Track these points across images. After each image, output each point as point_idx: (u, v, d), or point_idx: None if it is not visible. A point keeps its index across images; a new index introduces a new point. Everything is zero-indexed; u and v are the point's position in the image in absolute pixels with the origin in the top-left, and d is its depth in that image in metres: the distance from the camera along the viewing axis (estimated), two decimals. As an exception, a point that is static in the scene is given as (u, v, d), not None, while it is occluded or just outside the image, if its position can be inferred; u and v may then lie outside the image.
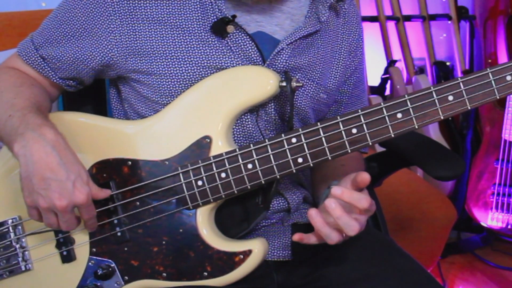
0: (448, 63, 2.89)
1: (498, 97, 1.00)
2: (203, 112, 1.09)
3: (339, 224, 0.97)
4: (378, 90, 2.83)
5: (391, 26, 2.85)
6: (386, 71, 2.82)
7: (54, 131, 1.03)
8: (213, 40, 1.10)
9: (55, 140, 1.02)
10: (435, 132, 2.71)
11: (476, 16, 2.85)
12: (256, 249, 1.07)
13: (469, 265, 2.66)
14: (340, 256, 1.12)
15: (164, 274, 1.09)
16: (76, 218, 1.05)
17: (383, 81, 2.83)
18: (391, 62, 2.81)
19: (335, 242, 0.99)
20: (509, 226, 2.56)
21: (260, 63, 1.11)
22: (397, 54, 2.87)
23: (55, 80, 1.18)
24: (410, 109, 1.01)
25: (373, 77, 2.87)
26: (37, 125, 1.03)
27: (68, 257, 1.13)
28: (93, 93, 1.37)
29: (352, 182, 0.99)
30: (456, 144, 2.80)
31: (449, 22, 2.90)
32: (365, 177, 0.97)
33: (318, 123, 1.03)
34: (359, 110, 1.02)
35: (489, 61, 2.74)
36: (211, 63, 1.10)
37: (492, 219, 2.60)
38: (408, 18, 2.88)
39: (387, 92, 2.84)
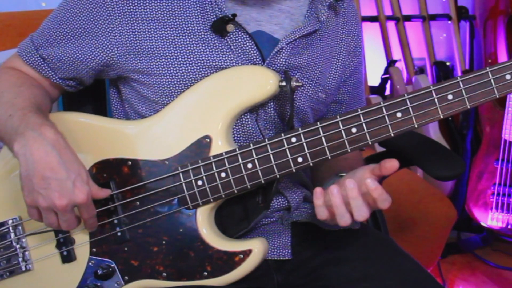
0: (448, 63, 2.89)
1: (497, 96, 1.00)
2: (203, 112, 1.09)
3: (352, 205, 0.97)
4: (378, 90, 2.82)
5: (391, 26, 2.85)
6: (386, 71, 2.82)
7: (54, 131, 1.03)
8: (213, 39, 1.10)
9: (55, 139, 1.02)
10: (435, 132, 2.71)
11: (476, 16, 2.85)
12: (256, 248, 1.07)
13: (469, 265, 2.65)
14: (340, 256, 1.12)
15: (164, 274, 1.09)
16: (76, 218, 1.05)
17: (383, 81, 2.83)
18: (391, 62, 2.81)
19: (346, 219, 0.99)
20: (509, 226, 2.56)
21: (259, 62, 1.11)
22: (397, 54, 2.87)
23: (55, 80, 1.18)
24: (410, 108, 1.01)
25: (373, 77, 2.86)
26: (37, 124, 1.02)
27: (68, 257, 1.13)
28: (93, 93, 1.37)
29: (373, 170, 0.98)
30: (456, 144, 2.80)
31: (449, 22, 2.90)
32: (394, 164, 0.96)
33: (318, 123, 1.03)
34: (359, 110, 1.02)
35: (489, 61, 2.73)
36: (211, 63, 1.10)
37: (492, 219, 2.60)
38: (408, 18, 2.88)
39: (387, 92, 2.83)
